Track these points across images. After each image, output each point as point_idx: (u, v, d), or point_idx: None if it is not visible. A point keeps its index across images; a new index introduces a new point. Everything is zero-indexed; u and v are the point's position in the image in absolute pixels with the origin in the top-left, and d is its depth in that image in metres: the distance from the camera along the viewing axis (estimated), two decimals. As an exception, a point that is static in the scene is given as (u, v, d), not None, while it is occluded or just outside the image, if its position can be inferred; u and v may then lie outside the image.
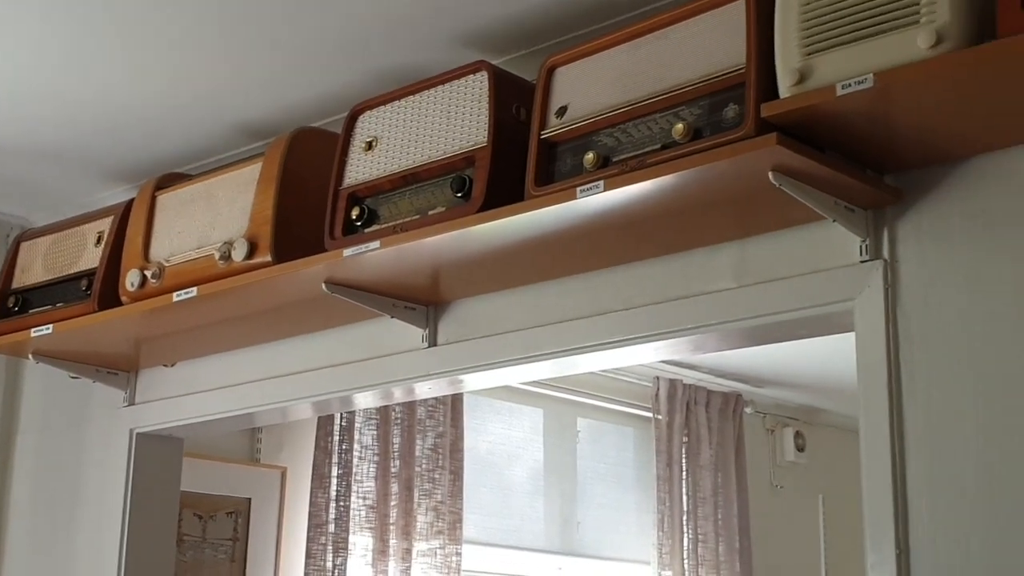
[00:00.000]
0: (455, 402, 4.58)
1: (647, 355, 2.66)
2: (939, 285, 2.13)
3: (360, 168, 2.61)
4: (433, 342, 2.83)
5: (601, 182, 2.18)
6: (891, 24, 1.93)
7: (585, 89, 2.31)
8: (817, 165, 2.05)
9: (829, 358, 4.72)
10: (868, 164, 2.18)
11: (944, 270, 2.13)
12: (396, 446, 4.40)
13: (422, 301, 2.83)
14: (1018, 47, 1.82)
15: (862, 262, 2.21)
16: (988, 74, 1.88)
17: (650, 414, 5.27)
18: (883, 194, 2.17)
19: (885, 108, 1.99)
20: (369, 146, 2.61)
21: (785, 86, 2.02)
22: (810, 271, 2.27)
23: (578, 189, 2.21)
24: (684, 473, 5.28)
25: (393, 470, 4.38)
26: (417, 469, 4.43)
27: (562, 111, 2.33)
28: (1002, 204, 2.08)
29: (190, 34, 2.73)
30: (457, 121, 2.47)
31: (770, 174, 2.06)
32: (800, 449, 5.78)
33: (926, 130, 2.06)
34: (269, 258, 2.69)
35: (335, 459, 4.27)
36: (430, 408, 4.50)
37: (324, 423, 4.27)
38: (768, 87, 2.04)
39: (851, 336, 2.23)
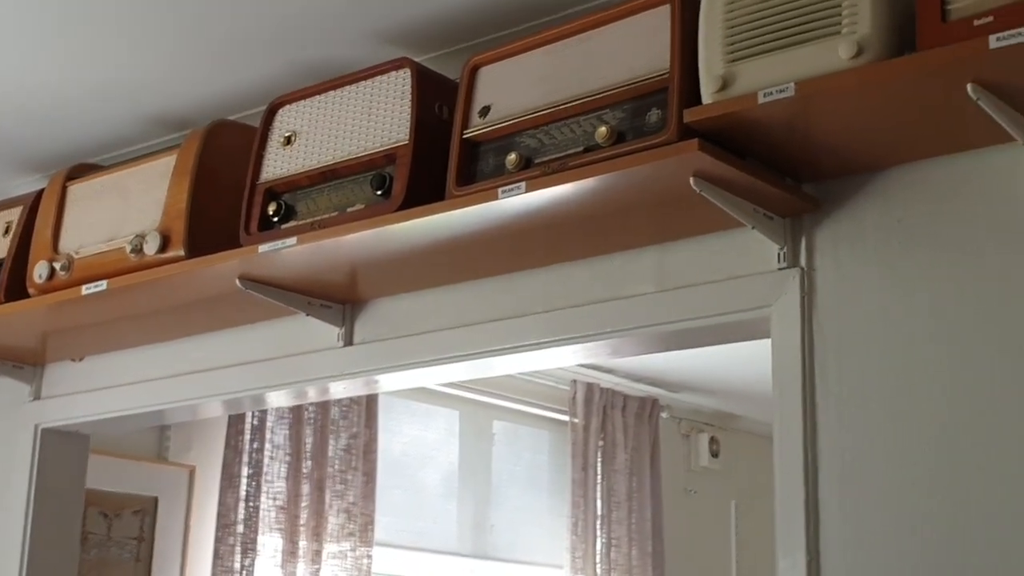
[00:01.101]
0: (370, 402, 4.54)
1: (566, 358, 2.66)
2: (854, 293, 2.15)
3: (278, 163, 2.58)
4: (349, 341, 2.80)
5: (523, 183, 2.17)
6: (813, 34, 1.95)
7: (509, 89, 2.30)
8: (737, 172, 2.06)
9: (745, 364, 4.76)
10: (788, 172, 2.19)
11: (859, 279, 2.15)
12: (308, 446, 4.35)
13: (338, 299, 2.79)
14: (936, 60, 1.85)
15: (779, 269, 2.22)
16: (906, 86, 1.91)
17: (566, 417, 5.28)
18: (801, 202, 2.19)
19: (806, 117, 2.01)
20: (288, 141, 2.58)
21: (708, 92, 2.02)
22: (728, 277, 2.28)
23: (500, 190, 2.20)
24: (599, 477, 5.29)
25: (305, 470, 4.33)
26: (329, 470, 4.39)
27: (485, 111, 2.32)
28: (916, 215, 2.11)
29: (106, 21, 2.66)
30: (378, 118, 2.44)
31: (691, 179, 2.06)
32: (714, 455, 5.83)
33: (845, 140, 2.08)
34: (182, 252, 2.64)
35: (245, 458, 4.22)
36: (344, 408, 4.46)
37: (235, 421, 4.21)
38: (691, 93, 2.04)
39: (767, 342, 2.24)
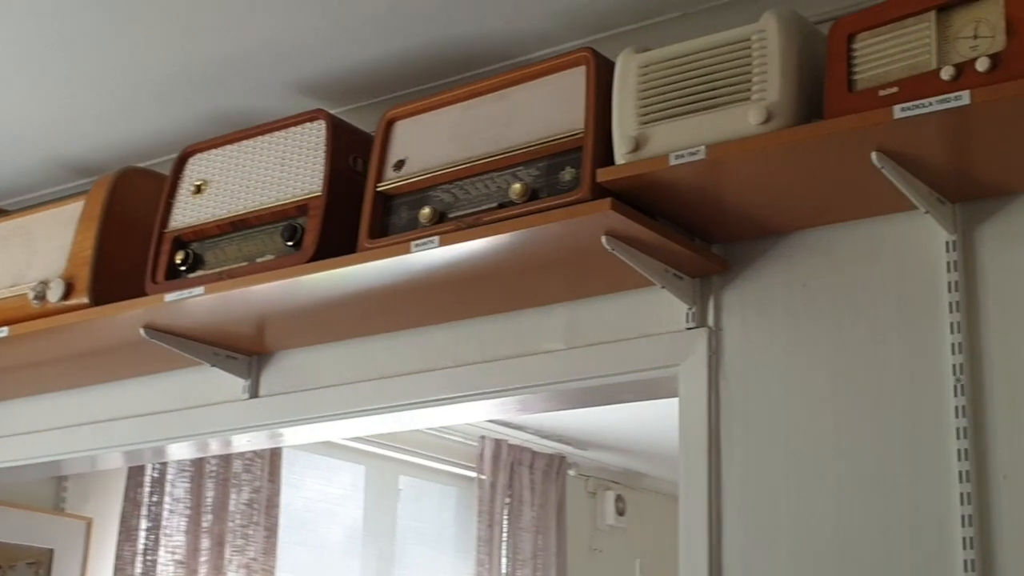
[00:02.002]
0: (274, 456, 4.48)
1: (475, 414, 2.65)
2: (760, 354, 2.18)
3: (187, 211, 2.55)
4: (255, 393, 2.77)
5: (436, 238, 2.17)
6: (724, 100, 1.99)
7: (424, 144, 2.30)
8: (648, 232, 2.08)
9: (652, 422, 4.80)
10: (697, 233, 2.22)
11: (765, 339, 2.18)
12: (209, 500, 4.28)
13: (245, 351, 2.76)
14: (842, 128, 1.89)
15: (688, 329, 2.24)
16: (813, 152, 1.95)
17: (474, 474, 5.26)
18: (710, 263, 2.22)
19: (716, 180, 2.04)
20: (198, 189, 2.55)
21: (621, 153, 2.05)
22: (638, 336, 2.30)
23: (413, 243, 2.19)
24: (505, 535, 5.27)
25: (205, 524, 4.25)
26: (230, 524, 4.31)
27: (400, 164, 2.32)
28: (821, 279, 2.15)
29: (15, 65, 2.62)
30: (292, 169, 2.43)
31: (603, 238, 2.08)
32: (620, 513, 5.84)
33: (754, 203, 2.11)
34: (86, 300, 2.59)
35: (144, 511, 4.13)
36: (247, 461, 4.39)
37: (134, 473, 4.13)
38: (605, 153, 2.07)
39: (674, 401, 2.26)
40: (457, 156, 2.24)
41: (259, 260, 2.41)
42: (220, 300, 2.44)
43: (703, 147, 1.96)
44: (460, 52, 2.49)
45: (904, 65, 1.87)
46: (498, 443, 5.28)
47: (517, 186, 2.13)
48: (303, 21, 2.43)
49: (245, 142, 2.52)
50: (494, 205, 2.16)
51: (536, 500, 5.40)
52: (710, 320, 2.24)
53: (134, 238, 2.63)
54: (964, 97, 1.78)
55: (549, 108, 2.16)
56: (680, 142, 1.99)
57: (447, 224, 2.20)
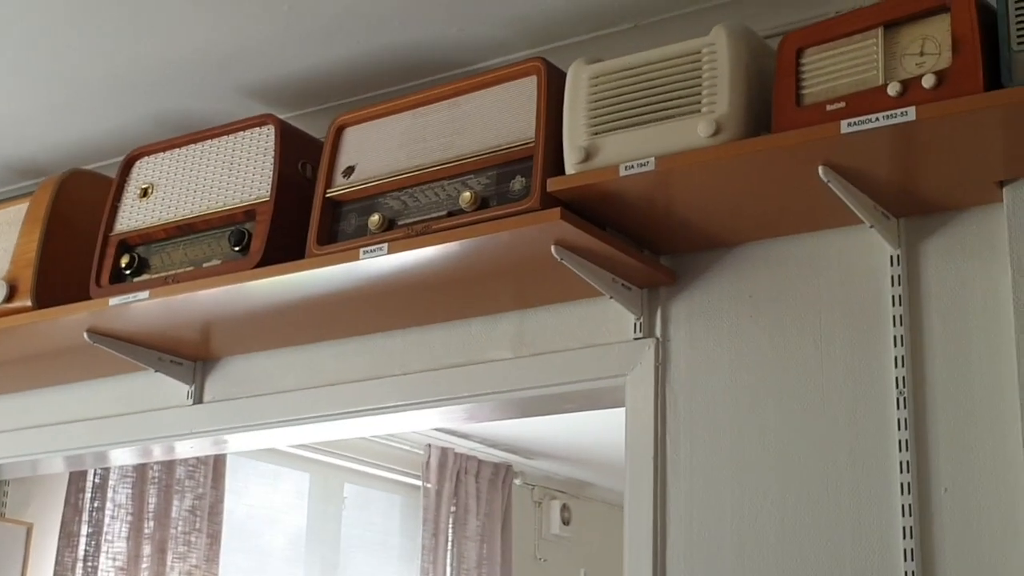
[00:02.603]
0: (217, 462, 4.44)
1: (422, 422, 2.65)
2: (706, 365, 2.20)
3: (133, 215, 2.52)
4: (199, 399, 2.75)
5: (385, 245, 2.17)
6: (674, 112, 2.00)
7: (374, 151, 2.30)
8: (598, 242, 2.09)
9: (599, 432, 4.81)
10: (646, 244, 2.23)
11: (711, 350, 2.20)
12: (152, 506, 4.23)
13: (190, 356, 2.74)
14: (790, 141, 1.91)
15: (635, 339, 2.25)
16: (761, 165, 1.97)
17: (419, 482, 5.24)
18: (658, 274, 2.23)
19: (665, 191, 2.05)
20: (145, 193, 2.53)
21: (571, 163, 2.06)
22: (586, 345, 2.31)
23: (361, 250, 2.19)
24: (449, 544, 5.25)
25: (147, 531, 4.20)
26: (172, 531, 4.26)
27: (349, 171, 2.31)
28: (766, 290, 2.17)
29: (-41, 62, 2.59)
30: (240, 173, 2.42)
31: (552, 247, 2.09)
32: (566, 522, 5.84)
33: (702, 215, 2.13)
34: (29, 303, 2.56)
35: (85, 517, 4.07)
36: (190, 468, 4.35)
37: (76, 479, 4.07)
38: (555, 163, 2.07)
39: (621, 411, 2.26)
40: (407, 163, 2.24)
41: (205, 265, 2.40)
42: (165, 305, 2.42)
43: (653, 158, 1.98)
44: (412, 59, 2.49)
45: (851, 80, 1.90)
46: (444, 451, 5.27)
47: (467, 194, 2.13)
48: (254, 25, 2.41)
49: (193, 146, 2.51)
50: (444, 213, 2.16)
51: (481, 509, 5.40)
52: (657, 331, 2.25)
53: (79, 241, 2.60)
54: (910, 113, 1.80)
55: (500, 117, 2.16)
56: (630, 153, 2.00)
57: (396, 231, 2.20)
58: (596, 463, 5.56)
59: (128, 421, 2.81)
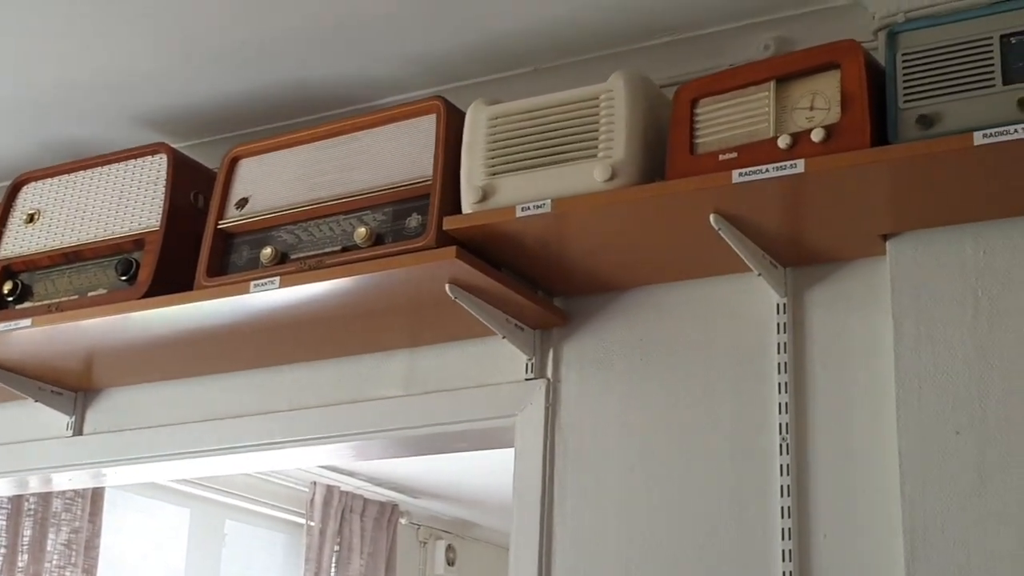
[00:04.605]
0: (95, 496, 4.34)
1: (308, 459, 2.62)
2: (596, 407, 2.21)
3: (18, 241, 2.47)
4: (79, 431, 2.69)
5: (277, 278, 2.15)
6: (571, 156, 2.02)
7: (269, 183, 2.28)
8: (492, 282, 2.10)
9: (486, 472, 4.81)
10: (541, 285, 2.25)
11: (601, 393, 2.21)
12: (26, 539, 4.11)
13: (71, 387, 2.68)
14: (682, 189, 1.94)
15: (527, 380, 2.26)
16: (654, 211, 1.99)
17: (303, 520, 5.17)
18: (552, 316, 2.24)
19: (560, 233, 2.07)
20: (31, 219, 2.48)
21: (468, 202, 2.06)
22: (477, 385, 2.31)
23: (252, 283, 2.16)
24: (332, 583, 5.18)
25: (20, 564, 4.08)
26: (47, 565, 4.15)
27: (243, 203, 2.29)
28: (656, 334, 2.20)
29: None
30: (130, 202, 2.38)
31: (447, 286, 2.09)
32: (450, 563, 5.81)
33: (596, 258, 2.15)
34: (-93, 326, 2.47)
35: (-44, 550, 3.94)
36: (67, 500, 4.24)
37: (-54, 511, 3.94)
38: (452, 201, 2.08)
39: (508, 451, 2.27)
40: (302, 197, 2.22)
41: (91, 294, 2.35)
42: (48, 333, 2.36)
43: (549, 201, 1.99)
44: (310, 93, 2.48)
45: (744, 132, 1.94)
46: (329, 489, 5.21)
47: (362, 230, 2.12)
48: (149, 52, 2.38)
49: (82, 172, 2.47)
50: (338, 248, 2.15)
51: (366, 548, 5.34)
52: (549, 372, 2.26)
53: (-41, 265, 2.53)
54: (799, 165, 1.85)
55: (398, 154, 2.16)
56: (527, 195, 2.02)
57: (289, 265, 2.18)
58: (482, 503, 5.55)
59: (5, 451, 2.73)
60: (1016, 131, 1.72)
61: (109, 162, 2.45)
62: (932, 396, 1.88)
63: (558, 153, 2.03)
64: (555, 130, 2.04)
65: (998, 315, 1.88)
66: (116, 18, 2.28)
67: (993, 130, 1.74)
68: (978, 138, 1.75)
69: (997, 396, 1.85)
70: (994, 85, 1.79)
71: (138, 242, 2.34)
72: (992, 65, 1.80)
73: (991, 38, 1.81)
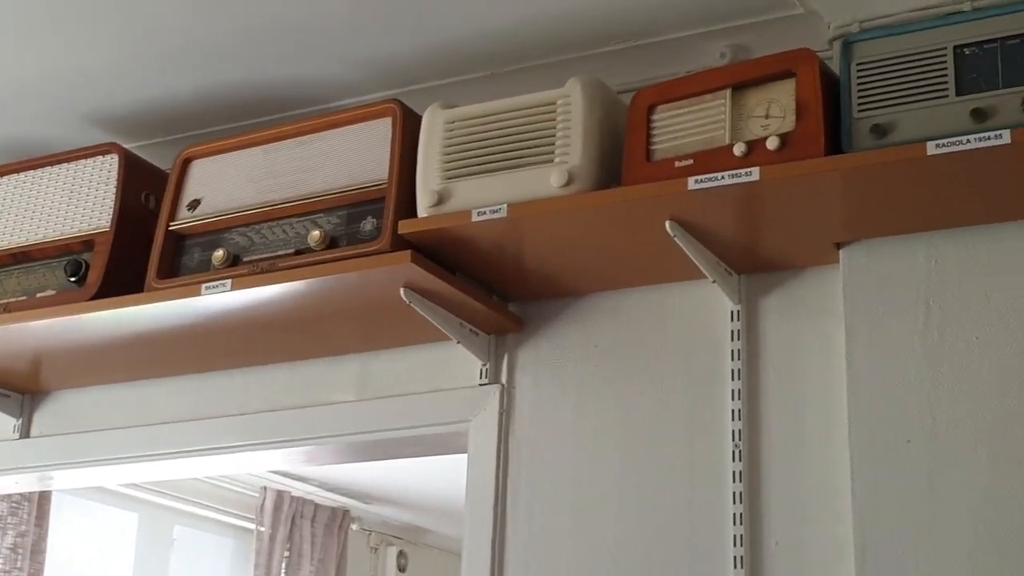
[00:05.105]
0: (42, 499, 4.28)
1: (259, 463, 2.60)
2: (550, 413, 2.21)
3: (-35, 240, 2.43)
4: (26, 433, 2.66)
5: (229, 281, 2.13)
6: (528, 160, 2.02)
7: (222, 185, 2.26)
8: (447, 286, 2.09)
9: (438, 478, 4.79)
10: (496, 291, 2.24)
11: (556, 398, 2.21)
12: (-30, 544, 4.05)
13: (18, 388, 2.65)
14: (638, 195, 1.94)
15: (481, 385, 2.25)
16: (610, 217, 1.99)
17: (252, 525, 5.12)
18: (507, 321, 2.24)
19: (516, 238, 2.07)
20: (-22, 218, 2.44)
21: (423, 206, 2.05)
22: (431, 390, 2.30)
23: (203, 286, 2.14)
24: (282, 589, 5.14)
25: (-37, 570, 4.02)
26: (-9, 571, 4.09)
27: (195, 204, 2.27)
28: (611, 340, 2.20)
29: None
30: (80, 202, 2.36)
31: (401, 290, 2.08)
32: (402, 569, 5.78)
33: (551, 264, 2.14)
34: None
35: None
36: (14, 504, 4.19)
37: None
38: (407, 205, 2.07)
39: (460, 457, 2.26)
40: (256, 199, 2.20)
41: (39, 295, 2.33)
42: (-6, 334, 2.33)
43: (505, 205, 1.99)
44: (264, 94, 2.46)
45: (700, 139, 1.94)
46: (280, 494, 5.17)
47: (316, 233, 2.10)
48: (101, 51, 2.35)
49: (32, 172, 2.44)
50: (291, 251, 2.13)
51: (316, 554, 5.30)
52: (503, 377, 2.25)
53: (-97, 265, 2.49)
54: (754, 173, 1.86)
55: (353, 157, 2.15)
56: (483, 199, 2.01)
57: (241, 268, 2.16)
58: (434, 509, 5.53)
59: (-52, 455, 2.69)
60: (969, 141, 1.74)
61: (59, 162, 2.42)
62: (883, 404, 1.90)
63: (514, 158, 2.03)
64: (512, 135, 2.04)
65: (949, 324, 1.90)
66: (68, 17, 2.25)
67: (946, 140, 1.76)
68: (931, 148, 1.76)
69: (947, 404, 1.86)
70: (947, 95, 1.81)
71: (88, 243, 2.32)
72: (946, 76, 1.82)
73: (945, 49, 1.83)
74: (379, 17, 2.22)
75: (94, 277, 2.28)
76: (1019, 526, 1.77)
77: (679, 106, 1.98)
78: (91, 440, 2.59)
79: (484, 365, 2.25)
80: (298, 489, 5.23)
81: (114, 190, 2.33)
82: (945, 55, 1.83)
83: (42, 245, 2.36)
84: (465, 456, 2.25)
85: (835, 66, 1.92)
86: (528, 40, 2.26)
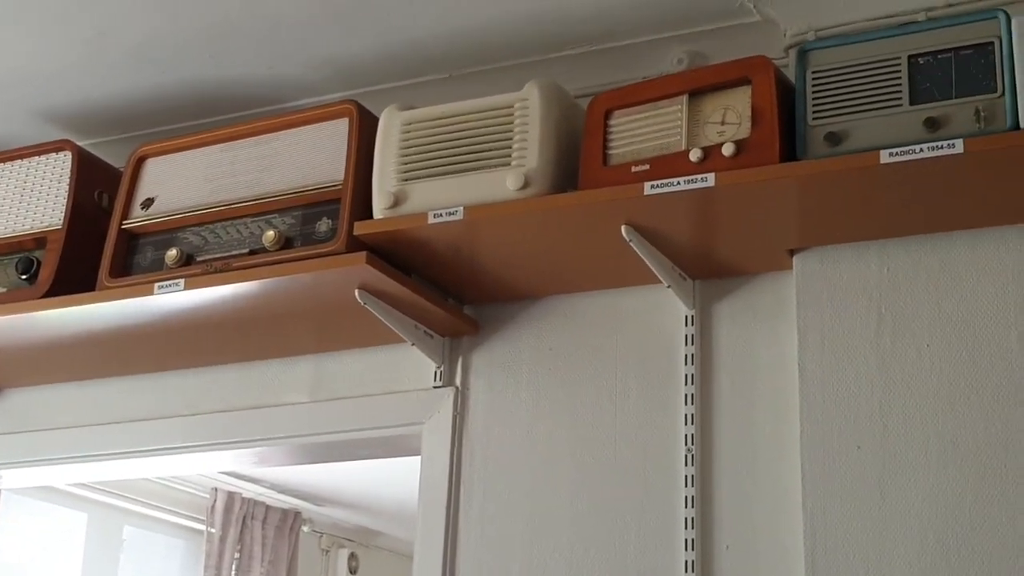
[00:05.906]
0: (-11, 500, 4.22)
1: (210, 464, 2.58)
2: (504, 416, 2.21)
3: (-86, 236, 2.40)
4: (-27, 432, 2.61)
5: (182, 280, 2.11)
6: (484, 163, 2.02)
7: (176, 183, 2.24)
8: (402, 288, 2.09)
9: (390, 480, 4.77)
10: (452, 293, 2.24)
11: (510, 401, 2.21)
12: (-87, 545, 3.98)
13: (-34, 387, 2.61)
14: (594, 199, 1.95)
15: (435, 387, 2.25)
16: (566, 221, 2.00)
17: (203, 526, 5.09)
18: (462, 323, 2.24)
19: (472, 241, 2.06)
20: (-73, 214, 2.40)
21: (379, 208, 2.05)
22: (385, 392, 2.29)
23: (156, 285, 2.13)
24: (232, 590, 5.11)
25: (-94, 572, 3.95)
26: (-65, 572, 4.03)
27: (148, 203, 2.25)
28: (566, 344, 2.21)
29: None
30: (32, 200, 2.33)
31: (356, 292, 2.07)
32: (353, 571, 5.76)
33: (507, 267, 2.15)
34: None
35: None
36: (-41, 505, 4.12)
37: None
38: (363, 206, 2.06)
39: (413, 459, 2.25)
40: (210, 198, 2.19)
41: (-10, 292, 2.29)
42: (-58, 332, 2.30)
43: (461, 208, 1.99)
44: (220, 94, 2.44)
45: (656, 144, 1.95)
46: (231, 495, 5.14)
47: (271, 233, 2.09)
48: (55, 47, 2.33)
49: (-17, 168, 2.40)
50: (245, 251, 2.12)
51: (267, 556, 5.27)
52: (457, 380, 2.25)
53: None
54: (709, 179, 1.87)
55: (309, 157, 2.14)
56: (439, 201, 2.01)
57: (194, 267, 2.15)
58: (386, 512, 5.51)
59: None
60: (922, 150, 1.76)
61: (11, 158, 2.40)
62: (835, 410, 1.91)
63: (471, 160, 2.03)
64: (468, 137, 2.04)
65: (900, 331, 1.92)
66: (21, 12, 2.23)
67: (899, 149, 1.77)
68: (884, 156, 1.78)
69: (898, 411, 1.88)
70: (901, 104, 1.83)
71: (40, 240, 2.30)
72: (900, 85, 1.83)
73: (899, 58, 1.85)
74: (338, 17, 2.21)
75: (46, 275, 2.26)
76: (968, 532, 1.79)
77: (636, 111, 1.99)
78: (41, 439, 2.56)
79: (438, 367, 2.25)
80: (249, 490, 5.20)
81: (67, 188, 2.31)
82: (899, 64, 1.85)
83: (-8, 242, 2.33)
84: (418, 458, 2.25)
85: (791, 74, 1.94)
86: (487, 43, 2.26)
